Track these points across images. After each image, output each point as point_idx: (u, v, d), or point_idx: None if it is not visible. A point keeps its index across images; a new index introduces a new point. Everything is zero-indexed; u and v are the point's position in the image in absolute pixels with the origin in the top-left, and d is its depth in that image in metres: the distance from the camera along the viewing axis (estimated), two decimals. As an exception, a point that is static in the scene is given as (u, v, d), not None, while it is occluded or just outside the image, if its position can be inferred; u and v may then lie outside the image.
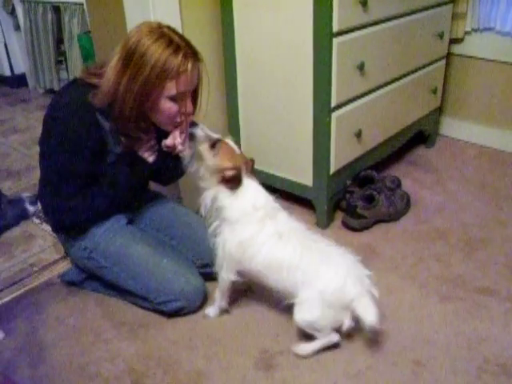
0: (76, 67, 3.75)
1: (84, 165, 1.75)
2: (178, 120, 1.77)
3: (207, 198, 1.72)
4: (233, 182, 1.67)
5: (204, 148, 1.71)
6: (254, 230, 1.68)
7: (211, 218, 1.75)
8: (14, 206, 1.62)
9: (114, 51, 1.69)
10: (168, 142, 1.80)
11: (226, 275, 1.78)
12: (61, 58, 3.98)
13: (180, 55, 1.64)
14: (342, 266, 1.65)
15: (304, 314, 1.64)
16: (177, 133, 1.79)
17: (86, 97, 1.70)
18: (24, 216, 1.65)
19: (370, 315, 1.58)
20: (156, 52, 1.62)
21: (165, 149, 1.82)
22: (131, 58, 1.63)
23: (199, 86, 1.80)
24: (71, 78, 3.81)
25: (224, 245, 1.72)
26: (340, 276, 1.62)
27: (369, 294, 1.62)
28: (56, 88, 4.07)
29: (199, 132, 1.73)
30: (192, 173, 1.78)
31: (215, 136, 1.72)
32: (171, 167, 1.93)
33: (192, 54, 1.68)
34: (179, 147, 1.81)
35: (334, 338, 1.68)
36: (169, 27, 1.69)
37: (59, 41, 3.95)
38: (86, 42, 3.50)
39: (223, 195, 1.69)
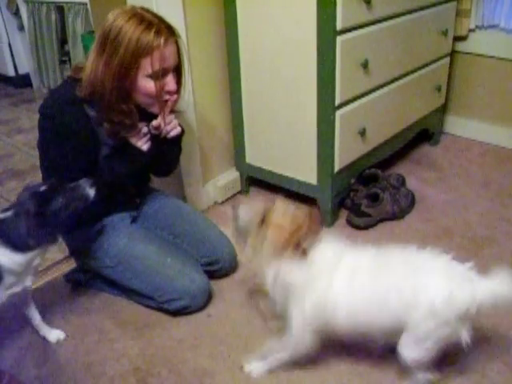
0: (80, 67, 3.75)
1: (78, 158, 1.75)
2: (162, 99, 1.76)
3: (270, 276, 1.53)
4: (299, 249, 1.47)
5: (253, 229, 1.52)
6: (326, 282, 1.48)
7: (277, 295, 1.56)
8: (76, 192, 1.61)
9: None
10: (154, 122, 1.80)
11: (304, 342, 1.55)
12: (65, 57, 3.98)
13: (152, 31, 1.64)
14: (438, 272, 1.44)
15: (418, 324, 1.42)
16: (163, 114, 1.79)
17: (74, 91, 1.71)
18: (87, 200, 1.62)
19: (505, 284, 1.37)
20: (129, 30, 1.62)
21: (152, 131, 1.82)
22: (106, 41, 1.65)
23: (181, 64, 1.80)
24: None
25: (301, 312, 1.52)
26: (442, 284, 1.41)
27: (483, 291, 1.40)
28: (60, 88, 4.07)
29: (242, 214, 1.58)
30: (250, 257, 1.59)
31: (260, 210, 1.53)
32: (165, 152, 1.92)
33: (166, 29, 1.68)
34: (167, 127, 1.81)
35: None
36: (142, 7, 1.70)
37: (63, 41, 3.96)
38: (90, 42, 3.47)
39: (287, 268, 1.48)
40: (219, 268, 2.02)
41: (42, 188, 1.56)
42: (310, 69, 2.08)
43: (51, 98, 1.78)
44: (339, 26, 1.97)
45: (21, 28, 4.39)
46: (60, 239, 1.69)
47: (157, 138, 1.84)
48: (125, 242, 1.89)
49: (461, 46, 2.93)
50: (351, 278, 1.48)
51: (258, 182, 2.63)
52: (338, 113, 2.13)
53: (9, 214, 1.53)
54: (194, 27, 2.21)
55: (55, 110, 1.72)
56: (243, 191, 2.64)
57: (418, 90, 2.64)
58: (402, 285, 1.44)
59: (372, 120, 2.34)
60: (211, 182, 2.54)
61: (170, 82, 1.74)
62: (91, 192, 1.63)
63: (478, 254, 2.14)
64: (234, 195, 2.62)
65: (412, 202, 2.43)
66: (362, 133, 2.28)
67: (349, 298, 1.48)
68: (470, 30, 2.87)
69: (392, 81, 2.41)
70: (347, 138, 2.23)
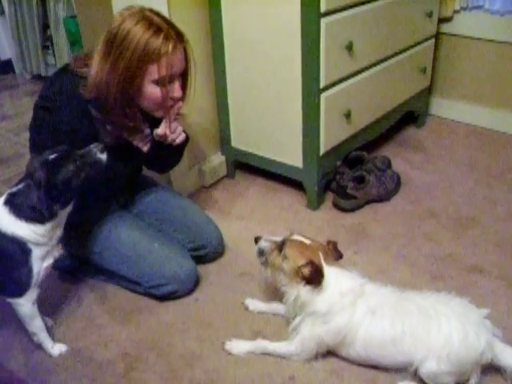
0: (63, 52, 3.70)
1: None
2: (167, 105, 1.73)
3: (290, 299, 1.60)
4: (313, 278, 1.52)
5: (274, 256, 1.62)
6: (347, 316, 1.52)
7: (295, 314, 1.62)
8: (88, 158, 1.57)
9: (99, 39, 1.66)
10: (159, 131, 1.77)
11: (303, 355, 1.62)
12: (47, 42, 3.92)
13: (161, 37, 1.60)
14: (454, 316, 1.49)
15: (432, 366, 1.47)
16: (168, 121, 1.76)
17: (77, 87, 1.67)
18: (99, 166, 1.59)
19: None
20: (136, 35, 1.59)
21: (157, 138, 1.80)
22: (113, 44, 1.61)
23: (189, 70, 1.77)
24: (58, 62, 3.77)
25: (315, 336, 1.57)
26: (458, 328, 1.46)
27: (496, 338, 1.50)
28: (43, 73, 4.02)
29: (263, 244, 1.66)
30: (271, 283, 1.71)
31: (279, 239, 1.64)
32: (166, 156, 1.91)
33: (175, 35, 1.64)
34: (172, 136, 1.78)
35: None
36: (151, 10, 1.66)
37: (45, 25, 3.89)
38: (73, 26, 3.46)
39: (305, 292, 1.54)
40: (206, 253, 2.02)
41: (52, 156, 1.51)
42: (294, 51, 2.07)
43: (53, 89, 1.73)
44: (323, 8, 1.96)
45: (1, 13, 4.31)
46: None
47: (160, 143, 1.82)
48: (112, 227, 1.88)
49: (446, 28, 2.93)
50: (371, 316, 1.53)
51: (243, 165, 2.63)
52: (323, 95, 2.13)
53: (20, 186, 1.51)
54: (176, 3, 2.18)
55: (59, 104, 1.68)
56: (229, 175, 2.64)
57: (403, 72, 2.64)
58: (416, 330, 1.49)
59: (357, 102, 2.34)
60: (197, 167, 2.53)
61: (175, 88, 1.72)
62: (103, 157, 1.59)
63: (463, 234, 2.16)
64: (221, 179, 2.62)
65: (398, 183, 2.45)
66: (348, 115, 2.28)
67: (366, 335, 1.53)
68: (455, 12, 2.86)
69: (377, 63, 2.41)
70: (332, 120, 2.23)
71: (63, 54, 3.71)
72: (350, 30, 2.14)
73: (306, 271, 1.51)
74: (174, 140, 1.81)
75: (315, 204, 2.35)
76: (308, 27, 2.00)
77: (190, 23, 2.26)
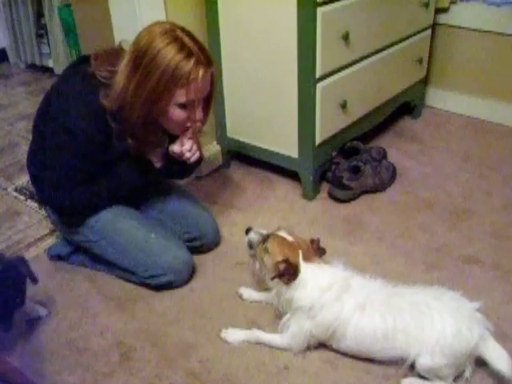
0: (57, 41, 3.67)
1: (91, 162, 1.74)
2: (187, 126, 1.73)
3: (274, 294, 1.66)
4: (288, 274, 1.53)
5: (259, 249, 1.63)
6: (335, 311, 1.53)
7: (284, 310, 1.64)
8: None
9: (126, 51, 1.64)
10: (176, 148, 1.76)
11: (295, 347, 1.62)
12: (41, 31, 3.89)
13: (192, 61, 1.57)
14: (446, 311, 1.49)
15: (426, 361, 1.48)
16: (184, 139, 1.75)
17: (98, 97, 1.65)
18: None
19: (504, 364, 1.45)
20: (167, 56, 1.55)
21: (172, 154, 1.79)
22: (141, 61, 1.57)
23: (213, 93, 1.75)
24: (53, 52, 3.74)
25: (304, 330, 1.58)
26: (451, 323, 1.46)
27: (488, 331, 1.50)
28: (38, 63, 4.00)
29: (252, 236, 1.69)
30: (259, 276, 1.74)
31: (265, 232, 1.67)
32: (176, 171, 1.92)
33: (205, 59, 1.61)
34: (187, 154, 1.77)
35: None
36: (183, 29, 1.62)
37: (39, 14, 3.86)
38: (67, 15, 3.43)
39: (285, 289, 1.57)
40: (202, 244, 2.03)
41: None
42: (290, 41, 2.07)
43: (73, 93, 1.69)
44: (319, -3, 1.96)
45: (-5, 1, 4.28)
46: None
47: (173, 159, 1.81)
48: (108, 217, 1.88)
49: (442, 18, 2.92)
50: (361, 311, 1.53)
51: (239, 156, 2.63)
52: (319, 85, 2.12)
53: None
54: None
55: (82, 116, 1.67)
56: (225, 165, 2.63)
57: (400, 62, 2.64)
58: (409, 326, 1.49)
59: (353, 93, 2.34)
60: (192, 157, 2.52)
61: (198, 111, 1.70)
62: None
63: (458, 225, 2.16)
64: (216, 169, 2.61)
65: (393, 174, 2.45)
66: (343, 106, 2.28)
67: (356, 330, 1.53)
68: (452, 2, 2.86)
69: (373, 53, 2.40)
70: (328, 110, 2.22)
71: (58, 43, 3.68)
72: (346, 20, 2.13)
73: (282, 267, 1.53)
74: (189, 159, 1.79)
75: (311, 194, 2.35)
76: (304, 17, 1.99)
77: (185, 13, 2.25)
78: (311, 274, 1.55)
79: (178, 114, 1.66)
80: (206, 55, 1.63)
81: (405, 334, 1.49)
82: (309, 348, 1.62)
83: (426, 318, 1.48)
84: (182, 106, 1.65)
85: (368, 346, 1.55)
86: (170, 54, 1.55)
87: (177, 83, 1.59)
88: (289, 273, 1.53)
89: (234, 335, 1.68)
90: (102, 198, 1.81)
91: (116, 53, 1.70)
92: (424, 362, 1.48)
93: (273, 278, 1.55)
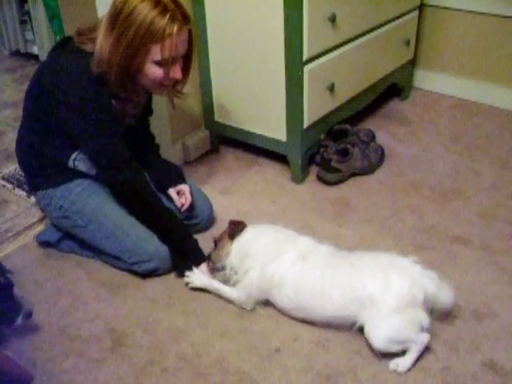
0: (41, 27, 3.62)
1: (110, 116, 1.73)
2: (167, 85, 1.74)
3: (229, 269, 1.75)
4: (236, 229, 1.75)
5: (214, 255, 1.81)
6: (279, 260, 1.64)
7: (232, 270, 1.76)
8: None
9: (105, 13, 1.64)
10: (178, 204, 1.97)
11: (246, 304, 1.72)
12: (25, 17, 3.84)
13: (166, 17, 1.57)
14: (390, 266, 1.55)
15: (380, 332, 1.50)
16: (182, 200, 1.98)
17: (89, 67, 1.65)
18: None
19: (446, 296, 1.55)
20: (142, 12, 1.56)
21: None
22: (117, 19, 1.58)
23: (192, 52, 1.75)
24: (37, 38, 3.69)
25: (251, 281, 1.68)
26: (397, 277, 1.51)
27: (428, 277, 1.54)
28: (22, 49, 3.95)
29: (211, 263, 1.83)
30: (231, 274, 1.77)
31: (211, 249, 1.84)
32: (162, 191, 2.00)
33: (181, 16, 1.61)
34: (183, 208, 1.97)
35: (424, 338, 1.51)
36: None
37: (22, 0, 3.81)
38: (51, 1, 3.38)
39: (235, 255, 1.73)
40: (198, 222, 2.04)
41: None
42: (276, 24, 2.05)
43: (67, 71, 1.67)
44: (305, -22, 1.94)
45: (-23, -13, 4.21)
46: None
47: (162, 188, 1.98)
48: (97, 201, 1.87)
49: (430, 0, 2.92)
50: (303, 261, 1.63)
51: (227, 140, 2.62)
52: (306, 68, 2.11)
53: None
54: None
55: (79, 91, 1.66)
56: (213, 150, 2.62)
57: (387, 44, 2.63)
58: (345, 283, 1.56)
59: (341, 75, 2.33)
60: (180, 141, 2.51)
61: (176, 69, 1.70)
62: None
63: (447, 206, 2.17)
64: (205, 154, 2.60)
65: (382, 156, 2.45)
66: (331, 88, 2.27)
67: (296, 279, 1.61)
68: (438, -18, 2.85)
69: (360, 35, 2.39)
70: (316, 93, 2.22)
71: (42, 29, 3.63)
72: (332, 2, 2.12)
73: (230, 229, 1.74)
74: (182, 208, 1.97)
75: (299, 177, 2.35)
76: (290, -1, 1.97)
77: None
78: (253, 236, 1.72)
79: (154, 71, 1.67)
80: (182, 12, 1.63)
81: (340, 291, 1.55)
82: (258, 304, 1.72)
83: (366, 277, 1.53)
84: (159, 63, 1.65)
85: (306, 299, 1.61)
86: (145, 10, 1.56)
87: (152, 39, 1.59)
88: (236, 227, 1.74)
89: (200, 279, 1.79)
90: (152, 216, 1.86)
91: (97, 24, 1.71)
92: (368, 315, 1.51)
93: (231, 238, 1.73)
